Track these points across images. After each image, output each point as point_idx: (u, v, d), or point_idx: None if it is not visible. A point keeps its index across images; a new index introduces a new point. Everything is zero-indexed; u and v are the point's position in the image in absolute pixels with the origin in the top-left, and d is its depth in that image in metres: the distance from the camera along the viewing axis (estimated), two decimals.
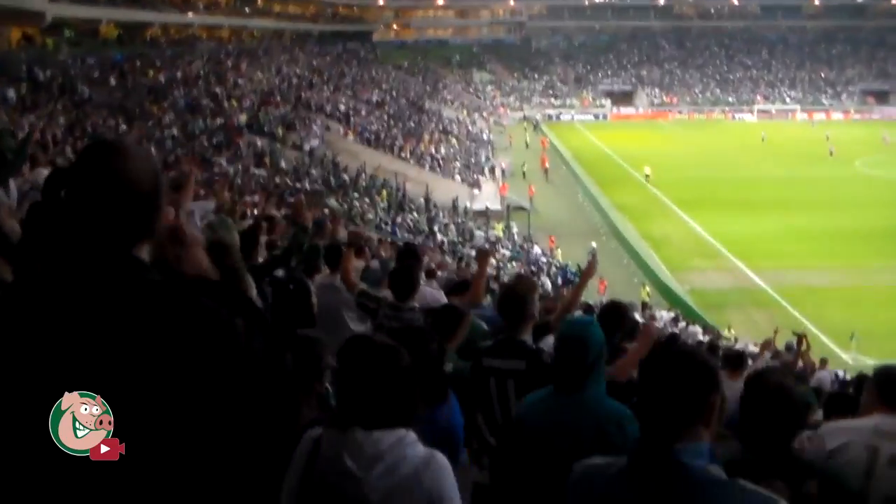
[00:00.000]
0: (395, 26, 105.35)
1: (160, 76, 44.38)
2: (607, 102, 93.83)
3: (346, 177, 42.92)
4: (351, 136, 52.96)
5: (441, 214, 43.05)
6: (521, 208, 46.31)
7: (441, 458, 2.97)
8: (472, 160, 58.67)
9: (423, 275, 8.59)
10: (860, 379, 11.11)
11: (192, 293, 2.10)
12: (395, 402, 2.97)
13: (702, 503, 2.50)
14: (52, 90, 34.48)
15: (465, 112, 79.39)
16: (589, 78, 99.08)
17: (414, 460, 2.91)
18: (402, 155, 52.99)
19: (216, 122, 41.45)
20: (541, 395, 4.09)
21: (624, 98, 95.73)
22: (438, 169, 52.79)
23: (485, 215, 44.84)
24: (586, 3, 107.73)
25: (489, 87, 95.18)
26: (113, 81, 40.16)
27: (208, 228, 6.20)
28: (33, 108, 29.84)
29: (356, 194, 40.52)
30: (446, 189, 47.69)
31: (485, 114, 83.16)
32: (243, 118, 44.59)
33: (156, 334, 1.97)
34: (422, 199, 44.53)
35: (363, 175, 44.48)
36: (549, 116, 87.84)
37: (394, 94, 73.58)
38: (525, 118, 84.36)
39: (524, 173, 55.00)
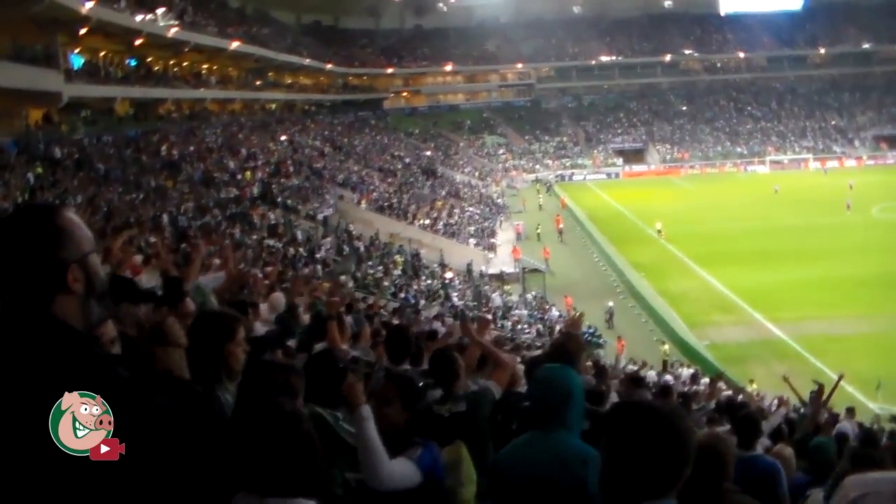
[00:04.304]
0: (405, 94, 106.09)
1: (174, 151, 44.76)
2: (619, 160, 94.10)
3: (359, 245, 42.97)
4: (364, 205, 53.17)
5: (456, 279, 43.01)
6: (537, 270, 46.20)
7: None
8: (486, 224, 58.73)
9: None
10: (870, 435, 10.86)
11: (83, 350, 2.19)
12: (290, 469, 2.90)
13: None
14: (69, 168, 34.85)
15: (477, 176, 79.76)
16: (599, 137, 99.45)
17: None
18: (416, 221, 53.09)
19: (230, 195, 41.70)
20: (520, 439, 4.26)
21: (635, 155, 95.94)
22: (452, 234, 52.84)
23: (500, 279, 44.73)
24: (593, 62, 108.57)
25: (501, 151, 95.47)
26: (128, 157, 40.52)
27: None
28: (51, 187, 30.08)
29: (370, 262, 40.56)
30: (461, 254, 47.73)
31: (497, 177, 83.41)
32: (257, 190, 44.87)
33: (39, 386, 2.05)
34: (436, 265, 44.56)
35: (377, 243, 44.57)
36: (562, 177, 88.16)
37: (406, 160, 74.01)
38: (538, 180, 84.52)
39: (539, 235, 55.05)
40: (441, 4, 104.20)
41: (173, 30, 52.24)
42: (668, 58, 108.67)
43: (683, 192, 75.17)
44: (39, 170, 32.22)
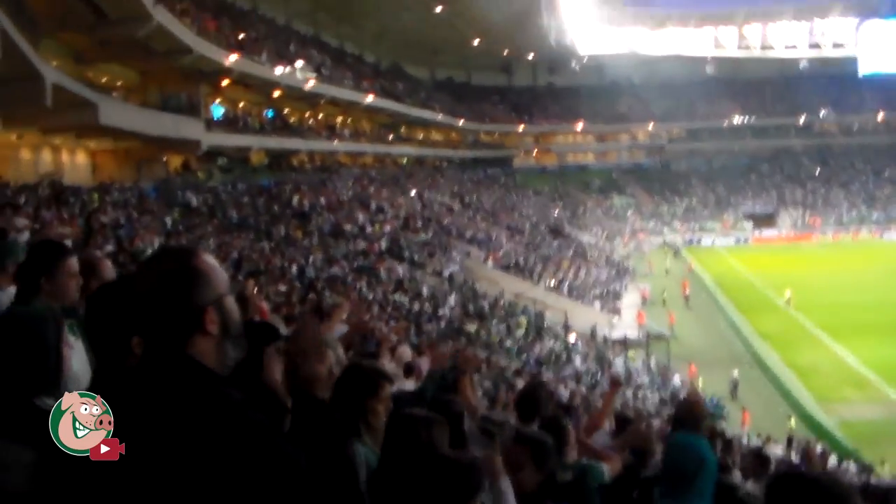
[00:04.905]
0: (534, 152, 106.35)
1: (305, 201, 45.76)
2: (748, 225, 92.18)
3: (484, 303, 43.13)
4: (490, 263, 53.39)
5: (579, 342, 42.78)
6: (661, 336, 45.69)
7: None
8: (612, 287, 58.37)
9: None
10: None
11: (217, 392, 2.26)
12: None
13: None
14: (204, 214, 36.08)
15: (604, 237, 79.38)
16: (729, 200, 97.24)
17: None
18: (542, 281, 53.05)
19: (358, 247, 42.40)
20: None
21: (766, 220, 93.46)
22: (577, 295, 52.62)
23: (624, 343, 44.32)
24: (725, 124, 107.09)
25: (629, 212, 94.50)
26: (260, 206, 41.66)
27: None
28: (186, 232, 31.14)
29: (494, 321, 40.67)
30: (585, 316, 47.48)
31: (625, 239, 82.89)
32: (384, 243, 45.52)
33: (175, 429, 2.12)
34: (560, 327, 44.40)
35: (502, 301, 44.66)
36: (690, 241, 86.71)
37: (533, 219, 74.13)
38: (665, 243, 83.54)
39: (664, 300, 54.36)
40: (574, 63, 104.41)
41: (310, 82, 53.70)
42: (802, 119, 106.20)
43: (815, 258, 72.88)
44: (176, 215, 33.47)
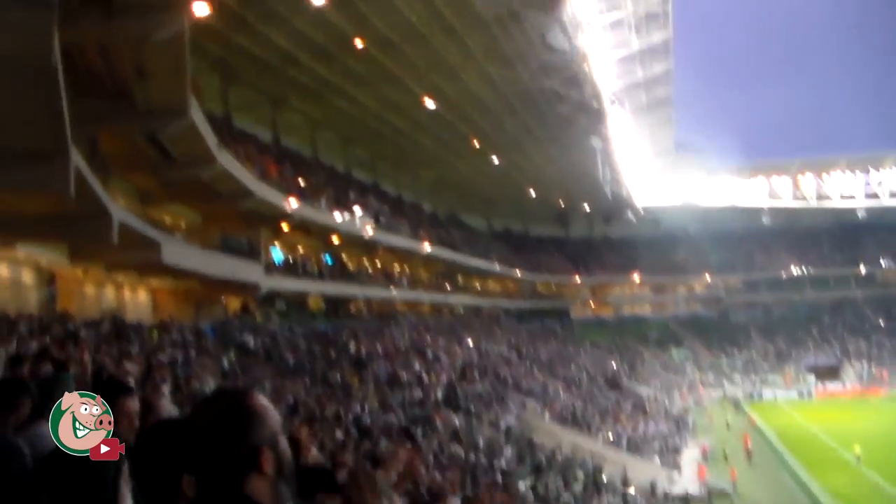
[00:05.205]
0: (591, 303, 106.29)
1: (362, 348, 45.71)
2: (811, 378, 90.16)
3: (541, 456, 42.33)
4: (547, 415, 52.67)
5: (638, 498, 41.66)
6: (723, 492, 44.39)
7: None
8: (671, 441, 57.12)
9: None
10: None
11: None
12: None
13: None
14: (260, 356, 36.08)
15: (662, 390, 78.24)
16: (790, 353, 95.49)
17: None
18: (599, 434, 52.13)
19: (414, 396, 42.05)
20: None
21: (829, 373, 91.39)
22: (636, 449, 51.54)
23: (685, 500, 43.08)
24: (784, 275, 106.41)
25: (687, 364, 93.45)
26: (317, 351, 41.66)
27: None
28: (242, 374, 31.08)
29: (551, 474, 39.82)
30: (644, 471, 46.34)
31: (683, 392, 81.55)
32: (441, 393, 45.12)
33: None
34: (618, 481, 43.37)
35: (558, 454, 43.83)
36: (751, 394, 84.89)
37: (591, 371, 73.44)
38: (725, 396, 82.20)
39: (726, 455, 52.88)
40: (630, 214, 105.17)
41: (369, 230, 54.42)
42: (862, 269, 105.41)
43: (884, 413, 70.80)
44: (233, 356, 33.53)
